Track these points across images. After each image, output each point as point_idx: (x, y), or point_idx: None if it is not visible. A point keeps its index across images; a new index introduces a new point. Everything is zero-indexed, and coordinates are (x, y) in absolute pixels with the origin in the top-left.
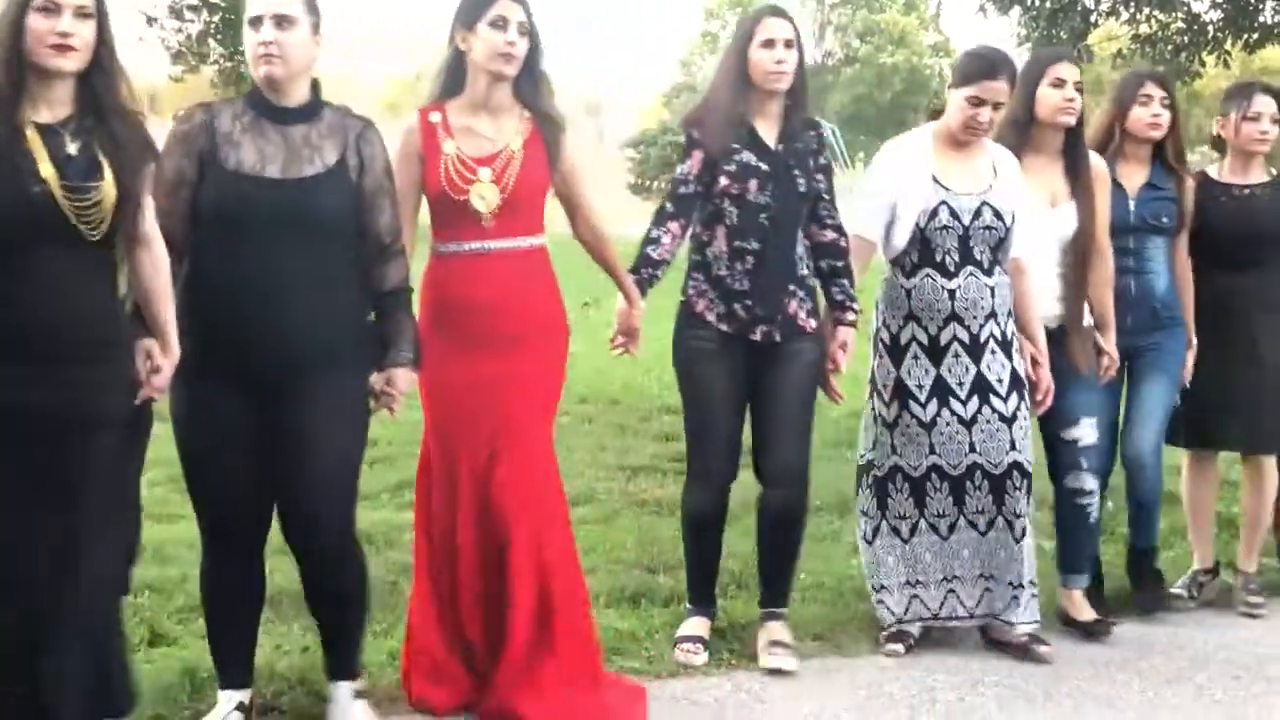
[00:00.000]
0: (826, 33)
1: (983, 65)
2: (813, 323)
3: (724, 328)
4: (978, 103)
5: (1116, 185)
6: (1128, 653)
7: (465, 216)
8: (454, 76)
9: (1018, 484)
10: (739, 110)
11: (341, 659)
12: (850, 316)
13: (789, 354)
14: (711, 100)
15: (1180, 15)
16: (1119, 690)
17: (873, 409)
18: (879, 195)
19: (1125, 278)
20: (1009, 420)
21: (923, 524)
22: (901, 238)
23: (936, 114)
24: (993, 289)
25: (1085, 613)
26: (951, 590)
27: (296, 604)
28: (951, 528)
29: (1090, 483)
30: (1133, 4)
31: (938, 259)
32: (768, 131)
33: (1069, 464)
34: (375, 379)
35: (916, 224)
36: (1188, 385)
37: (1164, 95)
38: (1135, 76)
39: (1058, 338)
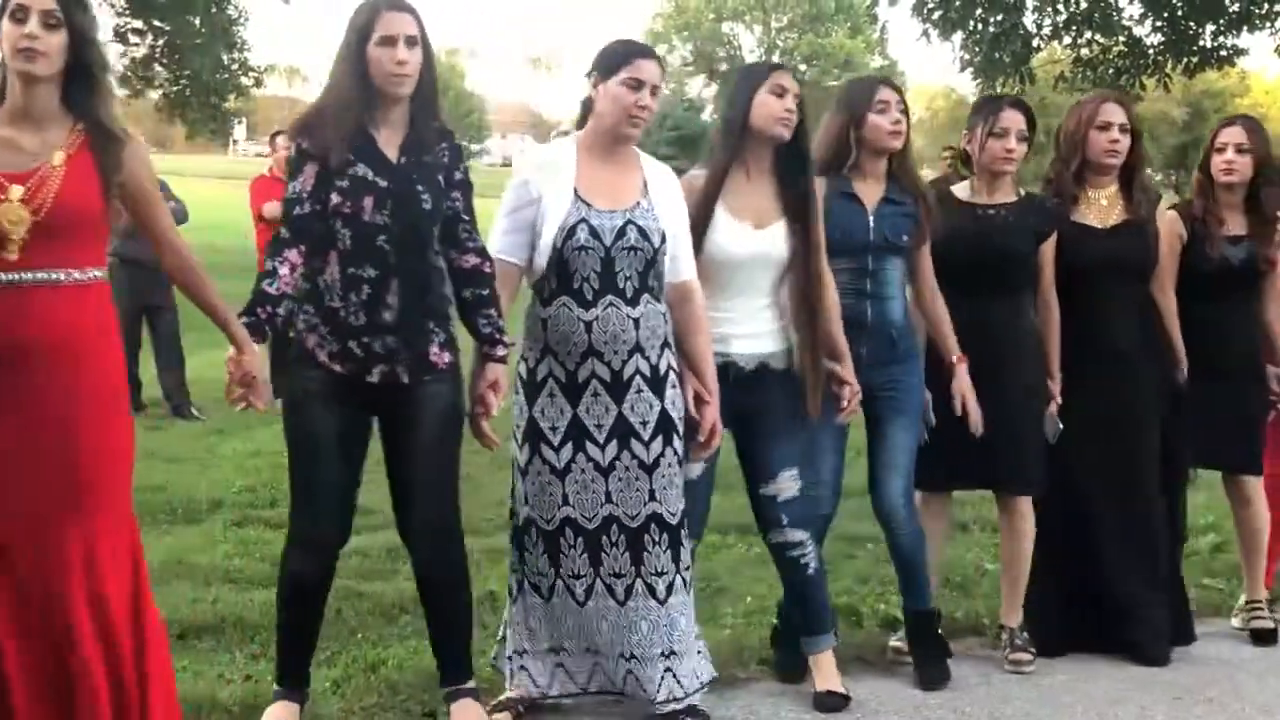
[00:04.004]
0: (773, 57)
1: (631, 47)
2: (447, 357)
3: (337, 368)
4: (636, 85)
5: (855, 200)
6: (1072, 676)
7: None
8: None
9: (657, 538)
10: (355, 117)
11: None
12: (500, 351)
13: (420, 399)
14: (323, 104)
15: (1121, 39)
16: (1064, 713)
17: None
18: (518, 212)
19: (862, 302)
20: (650, 468)
21: (559, 585)
22: (542, 259)
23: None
24: (637, 320)
25: (828, 680)
26: (597, 664)
27: (239, 631)
28: (589, 592)
29: (796, 534)
30: (1074, 28)
31: (575, 286)
32: (389, 142)
33: (770, 520)
34: None
35: (554, 244)
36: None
37: (900, 100)
38: (867, 83)
39: (764, 376)
